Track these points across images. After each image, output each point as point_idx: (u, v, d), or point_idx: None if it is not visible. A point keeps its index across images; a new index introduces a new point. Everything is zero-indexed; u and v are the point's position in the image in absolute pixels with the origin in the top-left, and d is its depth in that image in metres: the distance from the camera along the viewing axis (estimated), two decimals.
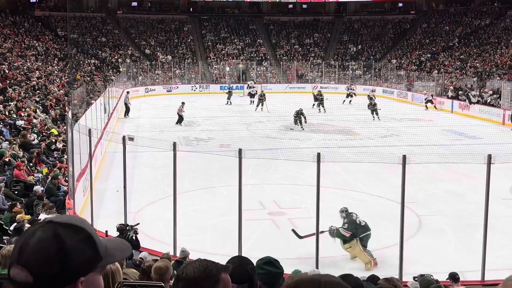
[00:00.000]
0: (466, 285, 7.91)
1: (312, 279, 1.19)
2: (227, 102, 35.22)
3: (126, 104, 29.83)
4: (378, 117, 27.63)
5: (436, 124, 25.69)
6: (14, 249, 1.29)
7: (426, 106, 32.95)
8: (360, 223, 9.93)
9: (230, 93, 35.86)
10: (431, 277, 6.72)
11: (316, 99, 31.35)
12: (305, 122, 24.52)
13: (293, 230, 10.36)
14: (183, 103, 26.28)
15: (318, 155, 8.97)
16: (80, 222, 1.33)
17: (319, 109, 30.61)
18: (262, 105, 31.00)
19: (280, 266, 2.90)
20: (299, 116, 24.40)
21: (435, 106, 32.90)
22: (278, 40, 52.71)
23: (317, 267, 8.98)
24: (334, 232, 10.00)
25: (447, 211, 12.92)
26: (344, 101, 35.49)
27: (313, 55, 50.83)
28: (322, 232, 9.78)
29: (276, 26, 54.14)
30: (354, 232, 9.85)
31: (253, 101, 34.17)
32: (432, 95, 34.06)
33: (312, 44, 52.37)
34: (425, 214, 12.54)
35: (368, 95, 32.82)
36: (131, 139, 10.93)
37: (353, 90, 37.02)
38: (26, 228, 8.90)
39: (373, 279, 6.10)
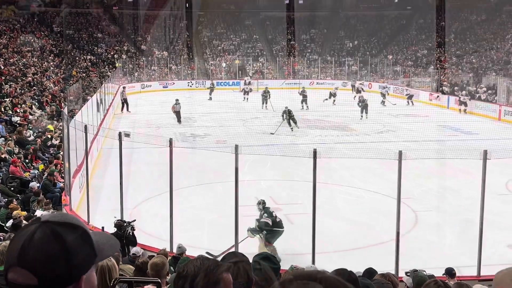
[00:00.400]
0: (462, 281, 7.92)
1: (308, 275, 1.19)
2: (209, 98, 35.11)
3: (122, 100, 29.63)
4: (367, 116, 26.52)
5: (432, 119, 25.71)
6: (11, 252, 1.24)
7: (412, 102, 32.84)
8: (276, 218, 10.00)
9: (211, 89, 35.73)
10: (424, 272, 6.72)
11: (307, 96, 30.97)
12: (295, 123, 23.50)
13: (207, 253, 10.24)
14: (176, 100, 25.93)
15: (315, 151, 8.99)
16: (74, 220, 1.32)
17: (302, 106, 29.92)
18: (266, 102, 30.54)
19: (276, 262, 2.90)
20: (287, 116, 23.35)
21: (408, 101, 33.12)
22: (275, 35, 52.63)
23: (313, 263, 9.00)
24: (256, 228, 10.01)
25: (443, 206, 12.96)
26: (355, 96, 34.77)
27: (309, 50, 50.79)
28: (238, 243, 9.84)
29: (272, 21, 54.05)
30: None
31: (247, 98, 34.04)
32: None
33: (309, 40, 52.32)
34: (421, 209, 12.57)
35: (381, 92, 32.68)
36: (127, 135, 10.91)
37: (362, 85, 36.56)
38: (23, 225, 8.89)
39: (369, 272, 6.10)
